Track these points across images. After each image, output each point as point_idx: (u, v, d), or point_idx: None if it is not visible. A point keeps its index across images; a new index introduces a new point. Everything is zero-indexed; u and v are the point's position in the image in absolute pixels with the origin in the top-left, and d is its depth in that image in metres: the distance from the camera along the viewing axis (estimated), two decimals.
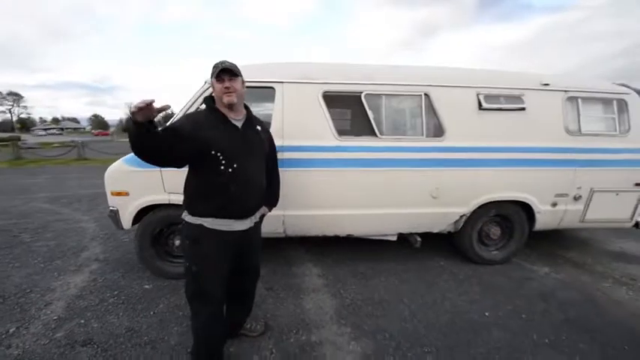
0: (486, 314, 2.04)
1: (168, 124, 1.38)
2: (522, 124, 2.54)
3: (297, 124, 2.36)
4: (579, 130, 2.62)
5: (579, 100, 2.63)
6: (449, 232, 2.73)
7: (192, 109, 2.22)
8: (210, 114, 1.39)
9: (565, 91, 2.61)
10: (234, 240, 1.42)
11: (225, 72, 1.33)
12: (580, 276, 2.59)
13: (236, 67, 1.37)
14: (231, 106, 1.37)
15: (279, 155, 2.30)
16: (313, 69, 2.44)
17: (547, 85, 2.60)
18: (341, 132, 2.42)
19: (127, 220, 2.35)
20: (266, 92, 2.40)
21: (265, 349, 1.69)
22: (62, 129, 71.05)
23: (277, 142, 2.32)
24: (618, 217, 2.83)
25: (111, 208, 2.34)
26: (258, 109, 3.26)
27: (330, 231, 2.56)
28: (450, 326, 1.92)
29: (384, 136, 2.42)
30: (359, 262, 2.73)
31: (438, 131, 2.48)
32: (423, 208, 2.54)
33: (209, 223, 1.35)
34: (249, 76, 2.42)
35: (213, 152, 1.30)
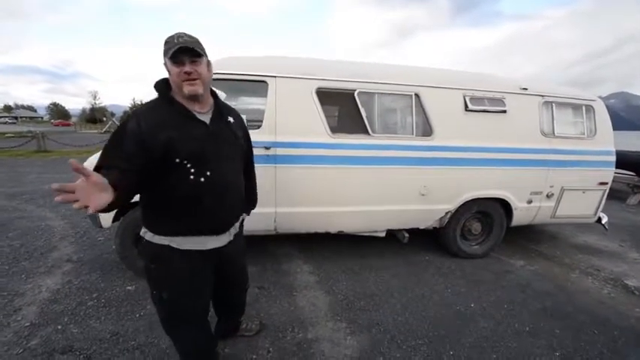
0: (472, 305, 2.14)
1: (111, 142, 1.00)
2: (503, 125, 2.69)
3: (289, 119, 2.32)
4: (553, 132, 2.82)
5: (553, 105, 2.82)
6: (434, 228, 2.83)
7: None
8: (167, 107, 1.05)
9: (541, 95, 2.79)
10: (211, 259, 1.19)
11: (184, 52, 1.00)
12: (552, 268, 2.80)
13: (199, 43, 1.04)
14: (194, 97, 1.06)
15: (272, 151, 2.28)
16: (308, 64, 2.42)
17: (525, 89, 2.76)
18: (334, 129, 2.42)
19: (106, 218, 2.20)
20: (257, 86, 2.34)
21: (262, 348, 1.66)
22: (16, 117, 64.92)
23: (269, 138, 2.30)
24: (584, 213, 3.08)
25: None
26: (247, 105, 3.18)
27: (322, 228, 2.57)
28: (440, 318, 2.00)
29: (376, 134, 2.45)
30: (348, 258, 2.76)
31: (427, 130, 2.56)
32: (412, 205, 2.61)
33: (177, 242, 1.09)
34: (239, 68, 2.37)
35: (177, 160, 1.01)
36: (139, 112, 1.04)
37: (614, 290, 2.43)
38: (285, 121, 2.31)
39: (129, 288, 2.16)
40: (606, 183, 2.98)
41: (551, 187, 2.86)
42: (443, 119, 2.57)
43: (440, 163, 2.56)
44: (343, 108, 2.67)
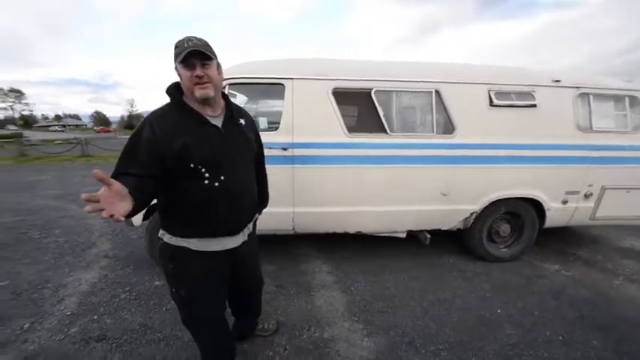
0: (498, 311, 2.03)
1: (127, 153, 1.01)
2: (533, 120, 2.52)
3: (306, 120, 2.35)
4: (590, 126, 2.60)
5: (591, 97, 2.61)
6: (458, 230, 2.72)
7: None
8: (179, 112, 1.06)
9: (577, 87, 2.59)
10: (226, 259, 1.22)
11: (194, 55, 1.00)
12: (591, 273, 2.58)
13: (208, 46, 1.04)
14: (206, 101, 1.07)
15: (289, 152, 2.32)
16: (323, 65, 2.43)
17: (558, 81, 2.57)
18: (351, 129, 2.41)
19: (137, 217, 2.36)
20: (275, 88, 2.39)
21: (279, 345, 1.69)
22: (64, 126, 71.25)
23: (287, 139, 2.34)
24: (629, 214, 2.81)
25: None
26: (267, 107, 3.26)
27: (340, 228, 2.56)
28: (462, 323, 1.91)
29: (394, 133, 2.40)
30: (368, 259, 2.73)
31: (448, 128, 2.47)
32: (433, 205, 2.53)
33: (194, 244, 1.13)
34: (257, 72, 2.43)
35: (192, 165, 1.03)
36: (152, 118, 1.04)
37: None
38: (302, 122, 2.34)
39: (157, 283, 2.29)
40: None
41: (590, 185, 2.64)
42: (465, 116, 2.46)
43: (462, 161, 2.45)
44: (360, 107, 2.65)
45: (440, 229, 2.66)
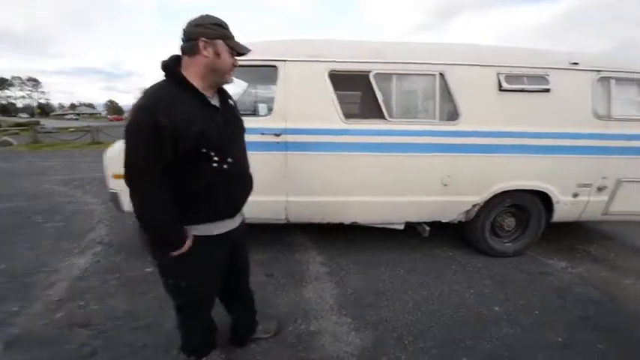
0: (496, 309, 1.93)
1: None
2: (546, 107, 2.34)
3: (301, 105, 2.23)
4: (609, 114, 2.39)
5: (612, 81, 2.39)
6: (459, 222, 2.59)
7: None
8: (185, 92, 1.01)
9: (597, 70, 2.37)
10: (229, 240, 1.22)
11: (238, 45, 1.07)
12: (600, 271, 2.43)
13: None
14: (215, 83, 1.09)
15: (282, 138, 2.22)
16: (319, 46, 2.29)
17: (576, 64, 2.36)
18: (348, 114, 2.28)
19: (128, 203, 2.33)
20: (268, 71, 2.27)
21: (261, 337, 1.64)
22: (79, 114, 72.73)
23: (280, 125, 2.23)
24: None
25: (112, 190, 2.31)
26: (259, 91, 3.14)
27: (335, 218, 2.47)
28: (456, 319, 1.82)
29: (393, 119, 2.27)
30: (364, 251, 2.65)
31: (452, 114, 2.31)
32: (434, 196, 2.41)
33: (200, 230, 1.12)
34: (250, 54, 2.31)
35: (204, 150, 1.02)
36: (159, 101, 0.96)
37: None
38: (296, 106, 2.23)
39: (147, 270, 2.27)
40: None
41: (604, 178, 2.45)
42: (471, 101, 2.30)
43: (465, 150, 2.30)
44: (359, 92, 2.51)
45: (440, 222, 2.55)
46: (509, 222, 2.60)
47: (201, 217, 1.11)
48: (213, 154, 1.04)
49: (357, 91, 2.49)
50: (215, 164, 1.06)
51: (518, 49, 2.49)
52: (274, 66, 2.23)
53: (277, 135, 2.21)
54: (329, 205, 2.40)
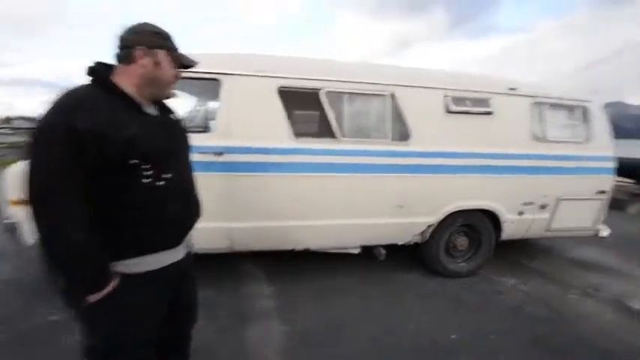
0: (452, 337, 1.84)
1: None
2: (490, 129, 2.43)
3: (247, 122, 2.06)
4: (545, 136, 2.55)
5: (545, 106, 2.57)
6: (415, 244, 2.54)
7: None
8: (113, 97, 0.84)
9: (532, 96, 2.53)
10: (170, 277, 0.97)
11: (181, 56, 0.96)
12: (546, 286, 2.50)
13: None
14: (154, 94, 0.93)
15: (225, 158, 2.01)
16: (268, 61, 2.16)
17: (514, 89, 2.50)
18: (299, 133, 2.15)
19: (32, 232, 1.92)
20: (209, 85, 2.08)
21: None
22: (15, 129, 64.51)
23: (222, 143, 2.02)
24: (582, 225, 2.81)
25: (8, 221, 1.89)
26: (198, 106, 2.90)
27: (285, 245, 2.27)
28: (414, 352, 1.69)
29: (345, 139, 2.18)
30: (317, 279, 2.46)
31: (403, 134, 2.29)
32: (388, 218, 2.33)
33: (129, 266, 0.87)
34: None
35: (133, 162, 0.82)
36: (80, 102, 0.79)
37: (616, 315, 2.13)
38: (241, 123, 2.04)
39: (52, 318, 1.85)
40: (605, 192, 2.71)
41: (545, 196, 2.58)
42: (421, 122, 2.30)
43: (417, 170, 2.28)
44: (311, 109, 2.41)
45: (396, 244, 2.47)
46: (462, 242, 2.60)
47: (130, 248, 0.87)
48: (144, 167, 0.84)
49: (308, 109, 2.39)
50: (146, 180, 0.85)
51: (463, 74, 2.60)
52: (217, 79, 2.04)
53: (219, 154, 2.00)
54: (278, 230, 2.20)
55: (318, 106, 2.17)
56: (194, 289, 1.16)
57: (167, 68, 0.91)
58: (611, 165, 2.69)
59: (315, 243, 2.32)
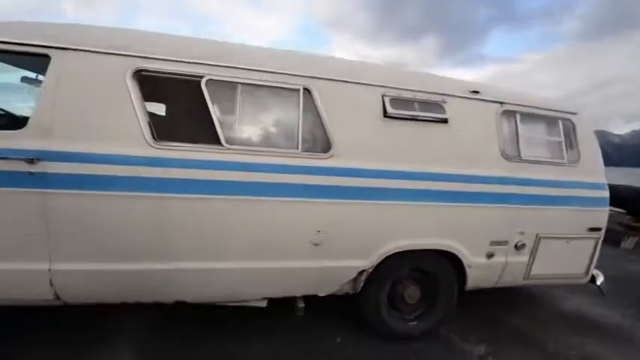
0: None
1: None
2: (444, 141, 1.82)
3: (81, 116, 1.41)
4: (519, 154, 1.95)
5: (517, 116, 1.99)
6: (347, 294, 1.84)
7: None
8: None
9: (500, 102, 1.96)
10: None
11: None
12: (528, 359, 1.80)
13: None
14: None
15: (41, 167, 1.35)
16: (122, 35, 1.55)
17: (476, 92, 1.92)
18: (162, 135, 1.51)
19: None
20: (37, 63, 1.46)
21: None
22: None
23: (37, 145, 1.35)
24: (571, 271, 2.16)
25: None
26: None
27: (144, 296, 1.56)
28: None
29: (233, 146, 1.53)
30: (209, 342, 1.74)
31: (322, 144, 1.66)
32: (301, 261, 1.65)
33: None
34: (14, 35, 1.50)
35: None
36: None
37: None
38: (71, 117, 1.40)
39: None
40: (599, 229, 2.09)
41: (521, 233, 1.94)
42: (348, 128, 1.68)
43: (342, 194, 1.63)
44: (183, 104, 1.79)
45: (317, 295, 1.77)
46: (413, 292, 1.91)
47: None
48: None
49: (183, 103, 1.77)
50: None
51: (409, 71, 2.03)
52: (46, 54, 1.42)
53: (31, 161, 1.33)
54: (131, 275, 1.50)
55: (198, 99, 1.54)
56: None
57: None
58: (605, 195, 2.10)
59: (193, 294, 1.61)
